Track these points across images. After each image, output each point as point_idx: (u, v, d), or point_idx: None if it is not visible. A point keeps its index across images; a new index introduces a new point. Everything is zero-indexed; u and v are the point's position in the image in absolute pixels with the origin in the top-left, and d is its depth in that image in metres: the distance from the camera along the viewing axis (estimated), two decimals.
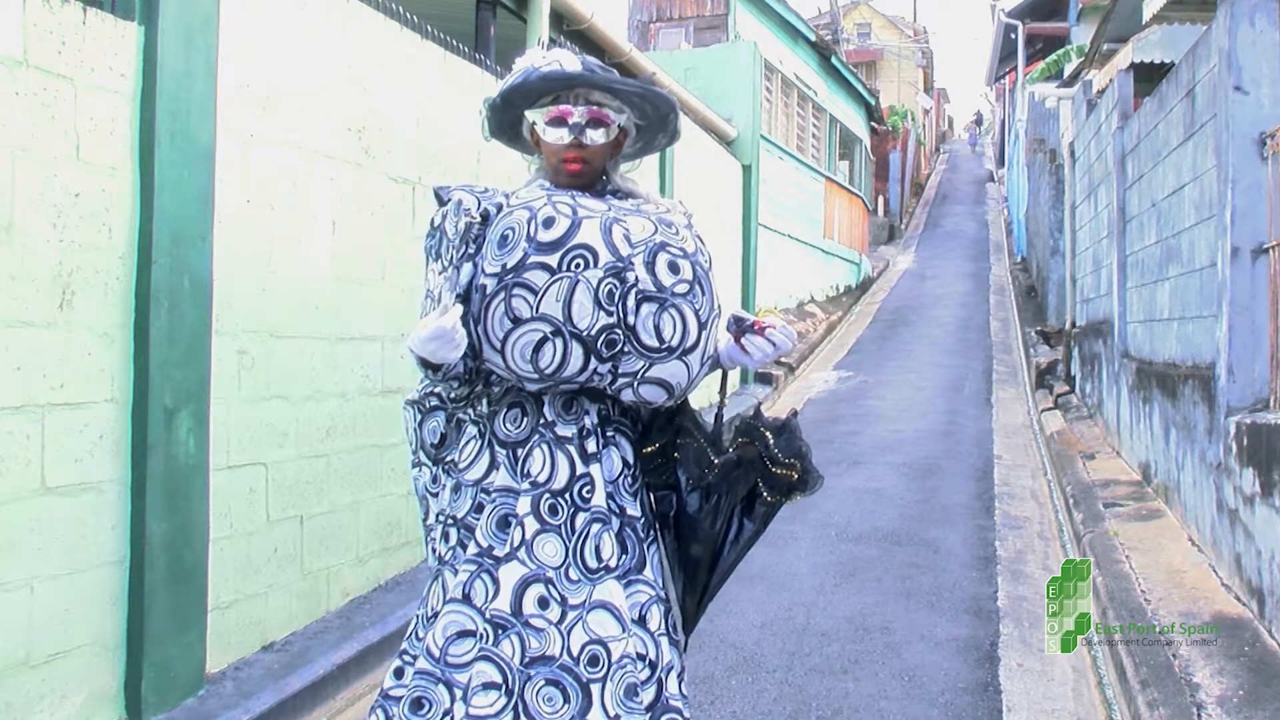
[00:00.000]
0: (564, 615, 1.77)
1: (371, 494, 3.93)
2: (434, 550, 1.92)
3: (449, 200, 1.84)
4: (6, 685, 2.46)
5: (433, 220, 1.88)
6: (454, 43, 4.57)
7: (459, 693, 1.75)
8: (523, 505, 1.80)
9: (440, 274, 1.82)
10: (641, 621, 1.82)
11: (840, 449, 7.37)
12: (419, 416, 1.98)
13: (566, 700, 1.73)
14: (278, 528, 3.42)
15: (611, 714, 1.73)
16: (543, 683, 1.73)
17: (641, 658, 1.80)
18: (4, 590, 2.46)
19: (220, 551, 3.13)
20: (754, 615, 3.97)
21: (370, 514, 3.93)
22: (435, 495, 1.96)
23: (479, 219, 1.80)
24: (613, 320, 1.76)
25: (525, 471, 1.82)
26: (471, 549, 1.81)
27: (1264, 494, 3.63)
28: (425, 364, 1.76)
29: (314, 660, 3.25)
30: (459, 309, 1.72)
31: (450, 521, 1.88)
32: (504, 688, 1.73)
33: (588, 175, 1.91)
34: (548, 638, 1.75)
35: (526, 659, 1.74)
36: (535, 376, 1.78)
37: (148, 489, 2.78)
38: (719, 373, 2.01)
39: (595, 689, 1.74)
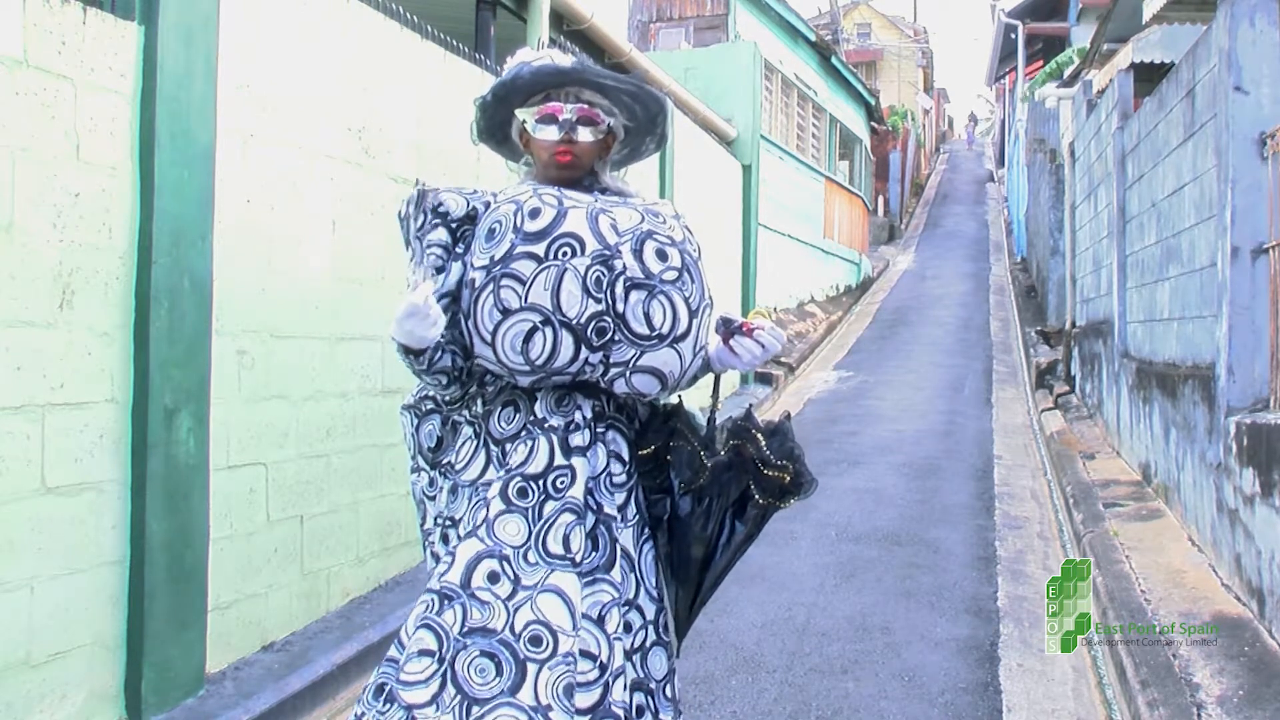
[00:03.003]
0: (514, 593, 1.74)
1: (371, 494, 3.93)
2: (433, 554, 1.92)
3: (440, 204, 1.85)
4: (6, 685, 2.46)
5: (399, 212, 1.89)
6: (454, 43, 4.57)
7: None
8: (493, 489, 1.80)
9: (410, 260, 1.83)
10: (599, 621, 1.79)
11: (840, 449, 7.37)
12: (415, 421, 1.98)
13: (499, 673, 1.70)
14: (278, 528, 3.42)
15: (543, 702, 1.69)
16: (477, 653, 1.70)
17: (590, 656, 1.76)
18: (4, 590, 2.46)
19: (220, 551, 3.13)
20: (754, 615, 3.97)
21: (370, 514, 3.93)
22: (433, 499, 1.95)
23: (434, 188, 1.82)
24: (602, 308, 1.75)
25: (506, 462, 1.82)
26: (453, 543, 1.82)
27: (1264, 494, 3.62)
28: (409, 351, 1.76)
29: (314, 660, 3.25)
30: (430, 284, 1.72)
31: (448, 524, 1.88)
32: (436, 655, 1.71)
33: (577, 169, 1.91)
34: (492, 611, 1.72)
35: (465, 629, 1.72)
36: (527, 369, 1.77)
37: (148, 489, 2.78)
38: (712, 376, 2.00)
39: (531, 668, 1.70)
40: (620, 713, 1.77)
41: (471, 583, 1.74)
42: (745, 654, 3.59)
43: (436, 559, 1.89)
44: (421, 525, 1.99)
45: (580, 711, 1.72)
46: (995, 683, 3.40)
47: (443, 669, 1.70)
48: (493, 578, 1.74)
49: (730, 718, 3.12)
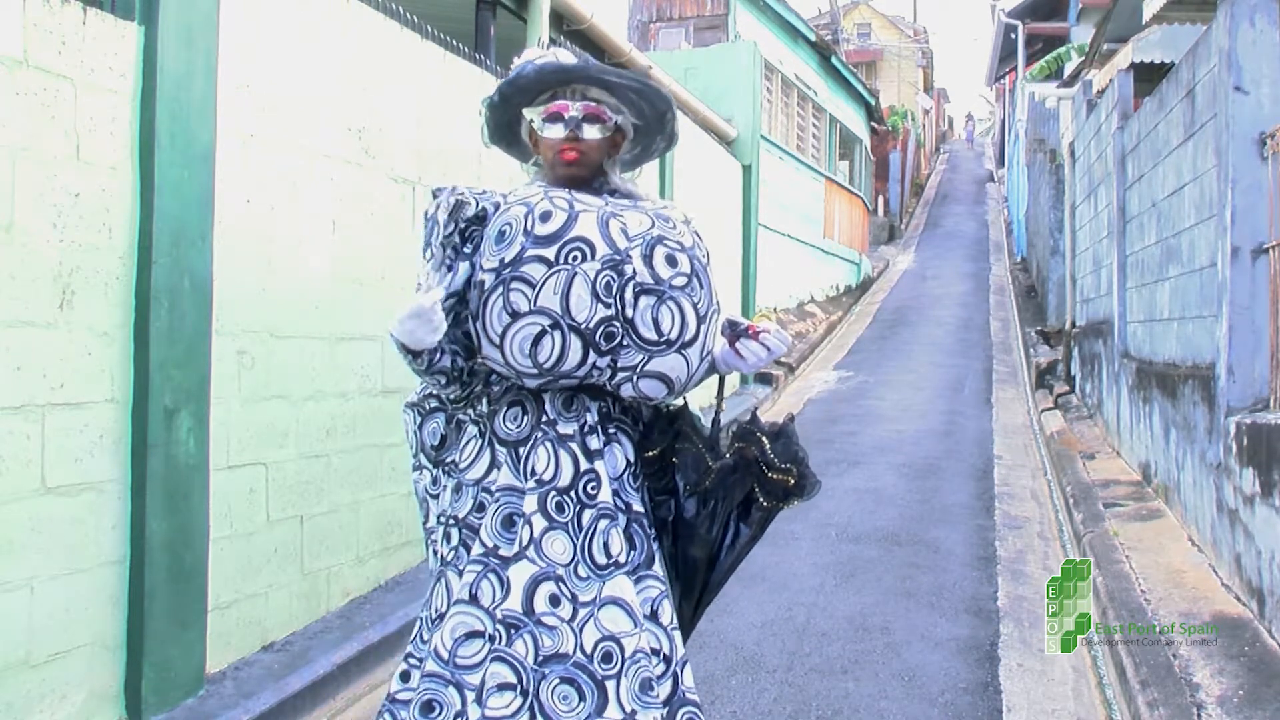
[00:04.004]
0: (575, 613, 1.76)
1: (371, 494, 3.93)
2: (435, 552, 1.92)
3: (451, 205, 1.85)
4: (6, 685, 2.46)
5: (426, 212, 1.89)
6: (454, 43, 4.57)
7: (470, 694, 1.74)
8: (529, 504, 1.80)
9: (427, 261, 1.83)
10: (654, 616, 1.82)
11: (840, 449, 7.37)
12: (419, 419, 1.98)
13: (582, 698, 1.72)
14: (278, 528, 3.42)
15: (628, 709, 1.72)
16: (557, 681, 1.73)
17: (656, 652, 1.79)
18: (4, 590, 2.46)
19: (220, 551, 3.13)
20: (754, 615, 3.97)
21: (370, 514, 3.93)
22: (435, 497, 1.96)
23: (472, 201, 1.80)
24: (611, 313, 1.76)
25: (530, 470, 1.82)
26: (476, 549, 1.81)
27: (1264, 494, 3.62)
28: (407, 350, 1.76)
29: (314, 660, 3.25)
30: (440, 290, 1.73)
31: (452, 522, 1.88)
32: (519, 688, 1.72)
33: (584, 167, 1.91)
34: (561, 635, 1.75)
35: (540, 658, 1.74)
36: (534, 371, 1.78)
37: (148, 489, 2.78)
38: (716, 378, 2.00)
39: (610, 685, 1.73)
40: (695, 698, 1.82)
41: (535, 609, 1.75)
42: (745, 654, 3.59)
43: (442, 559, 1.88)
44: (424, 524, 2.00)
45: (663, 703, 1.76)
46: (995, 683, 3.40)
47: (528, 701, 1.72)
48: (554, 601, 1.76)
49: (730, 718, 3.12)
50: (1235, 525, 3.93)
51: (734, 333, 1.90)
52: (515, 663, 1.73)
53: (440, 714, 1.75)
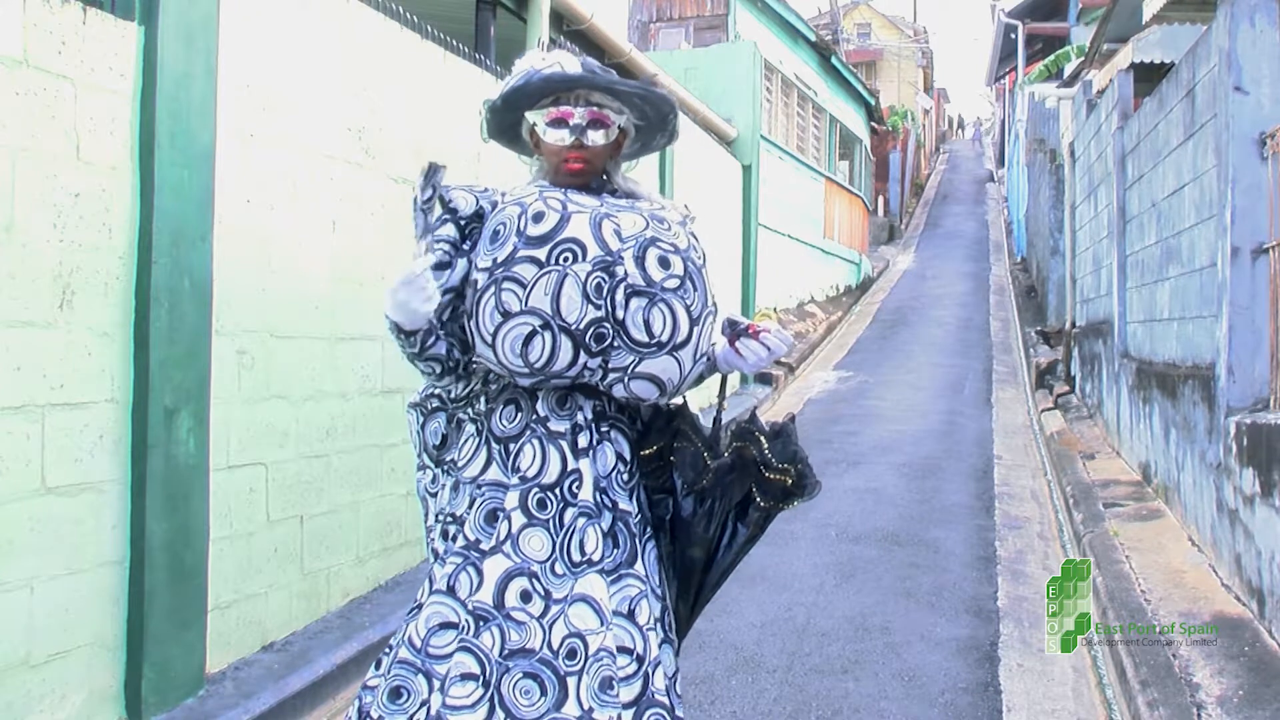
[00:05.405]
0: (546, 609, 1.77)
1: (371, 494, 3.93)
2: (433, 550, 1.93)
3: (449, 200, 1.85)
4: (6, 685, 2.46)
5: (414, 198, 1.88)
6: (454, 43, 4.57)
7: (437, 683, 1.75)
8: (511, 499, 1.81)
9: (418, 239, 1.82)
10: (630, 615, 1.81)
11: (840, 449, 7.37)
12: (421, 419, 1.99)
13: (543, 693, 1.72)
14: (278, 528, 3.42)
15: (586, 707, 1.72)
16: (520, 675, 1.73)
17: (626, 651, 1.78)
18: (4, 590, 2.46)
19: (220, 551, 3.13)
20: (754, 615, 3.97)
21: (370, 514, 3.93)
22: (434, 495, 1.97)
23: (443, 165, 1.79)
24: (601, 314, 1.76)
25: (515, 466, 1.83)
26: (460, 542, 1.82)
27: (1264, 494, 3.62)
28: (400, 331, 1.76)
29: (314, 660, 3.25)
30: (430, 258, 1.73)
31: (449, 519, 1.89)
32: (481, 679, 1.73)
33: (588, 175, 1.91)
34: (528, 631, 1.75)
35: (505, 651, 1.74)
36: (526, 371, 1.78)
37: (148, 489, 2.78)
38: (718, 376, 2.00)
39: (572, 682, 1.73)
40: (665, 700, 1.80)
41: (505, 603, 1.76)
42: (745, 654, 3.59)
43: (437, 555, 1.89)
44: (425, 522, 2.01)
45: (626, 705, 1.75)
46: (995, 683, 3.40)
47: (489, 693, 1.72)
48: (525, 596, 1.76)
49: (730, 718, 3.12)
50: (1235, 525, 3.93)
51: (734, 332, 1.89)
52: (480, 654, 1.74)
53: (406, 700, 1.76)
